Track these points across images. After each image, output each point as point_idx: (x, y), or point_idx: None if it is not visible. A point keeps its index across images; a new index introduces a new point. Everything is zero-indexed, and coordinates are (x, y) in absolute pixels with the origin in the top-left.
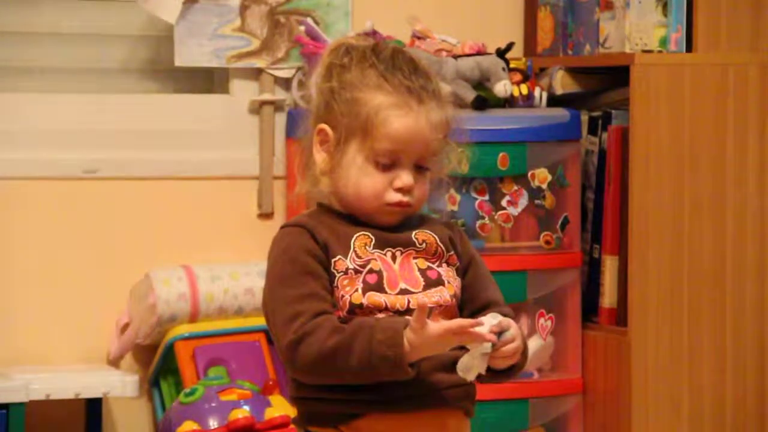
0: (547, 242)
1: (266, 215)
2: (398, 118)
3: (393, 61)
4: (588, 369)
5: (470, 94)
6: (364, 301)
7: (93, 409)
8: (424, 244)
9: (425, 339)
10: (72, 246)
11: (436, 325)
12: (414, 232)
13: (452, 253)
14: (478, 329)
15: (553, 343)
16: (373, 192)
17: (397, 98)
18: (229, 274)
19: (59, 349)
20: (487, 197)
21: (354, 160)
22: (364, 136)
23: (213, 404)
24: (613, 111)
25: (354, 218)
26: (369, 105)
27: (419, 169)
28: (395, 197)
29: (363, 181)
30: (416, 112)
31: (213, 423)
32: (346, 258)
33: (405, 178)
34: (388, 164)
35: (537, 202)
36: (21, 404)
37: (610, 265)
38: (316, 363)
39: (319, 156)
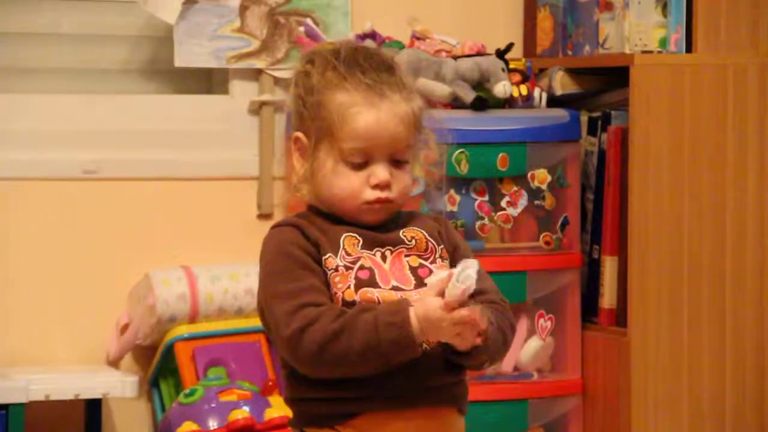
0: (547, 243)
1: (266, 216)
2: (360, 114)
3: (352, 59)
4: (587, 369)
5: (470, 95)
6: (357, 297)
7: (92, 409)
8: (413, 241)
9: (428, 313)
10: (71, 246)
11: (439, 302)
12: (402, 230)
13: (443, 246)
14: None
15: (553, 344)
16: (350, 192)
17: (358, 95)
18: (229, 274)
19: (59, 349)
20: (486, 198)
21: (326, 164)
22: (332, 138)
23: (213, 405)
24: (612, 111)
25: (341, 219)
26: (332, 106)
27: (396, 163)
28: (373, 194)
29: (337, 182)
30: (378, 107)
31: (213, 424)
32: (336, 256)
33: (380, 173)
34: (360, 162)
35: (536, 202)
36: (20, 405)
37: (609, 266)
38: (322, 347)
39: (298, 164)
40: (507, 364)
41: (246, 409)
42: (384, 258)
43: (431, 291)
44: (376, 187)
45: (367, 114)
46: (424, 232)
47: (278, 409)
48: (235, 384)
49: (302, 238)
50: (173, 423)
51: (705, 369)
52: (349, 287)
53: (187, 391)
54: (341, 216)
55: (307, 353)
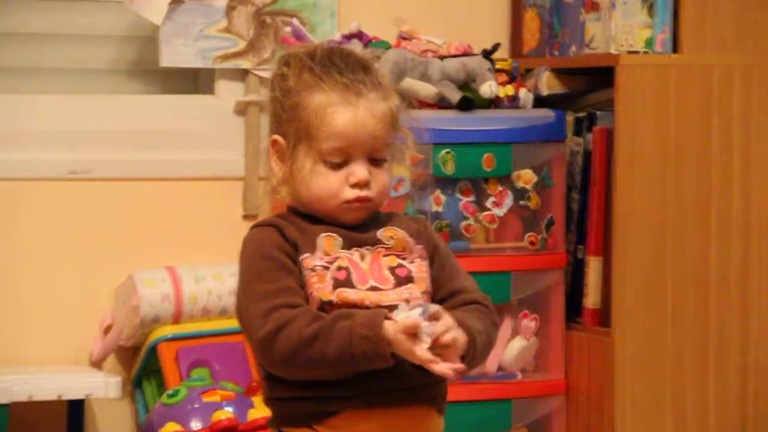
0: (532, 243)
1: (251, 216)
2: (338, 114)
3: (328, 60)
4: (571, 369)
5: (456, 95)
6: (334, 297)
7: (75, 410)
8: (392, 241)
9: (397, 343)
10: (56, 247)
11: (408, 343)
12: (380, 230)
13: (421, 246)
14: (438, 367)
15: (537, 344)
16: (329, 192)
17: (335, 96)
18: (213, 275)
19: (42, 350)
20: (472, 198)
21: (305, 165)
22: (310, 139)
23: (196, 405)
24: (598, 112)
25: (320, 219)
26: (309, 107)
27: (374, 161)
28: (352, 194)
29: (317, 183)
30: (355, 106)
31: (196, 424)
32: (314, 256)
33: (359, 172)
34: (339, 162)
35: (522, 202)
36: (4, 405)
37: (594, 266)
38: (296, 350)
39: (277, 166)
40: (491, 364)
41: (229, 409)
42: (362, 257)
43: (401, 328)
44: (356, 185)
45: (344, 113)
46: (403, 232)
47: (262, 409)
48: (218, 384)
49: (280, 239)
50: (156, 424)
51: (688, 369)
52: (326, 287)
53: (170, 391)
54: (321, 216)
55: (279, 356)
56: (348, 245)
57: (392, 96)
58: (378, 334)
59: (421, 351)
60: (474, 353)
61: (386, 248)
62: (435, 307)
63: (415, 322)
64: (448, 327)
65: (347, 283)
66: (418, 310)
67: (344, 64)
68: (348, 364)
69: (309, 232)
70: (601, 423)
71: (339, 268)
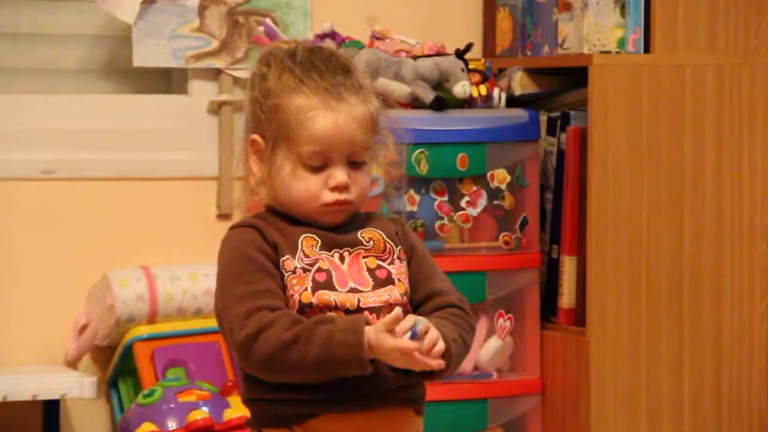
0: (506, 243)
1: (225, 216)
2: (318, 118)
3: (309, 62)
4: (547, 369)
5: (429, 95)
6: (314, 300)
7: (50, 410)
8: (371, 243)
9: (379, 343)
10: (30, 247)
11: (391, 339)
12: (360, 232)
13: (401, 247)
14: (422, 358)
15: (512, 344)
16: (308, 195)
17: (315, 99)
18: (188, 274)
19: (17, 350)
20: (446, 198)
21: (284, 167)
22: (290, 142)
23: (171, 405)
24: (571, 112)
25: (299, 220)
26: (289, 110)
27: (354, 164)
28: (332, 197)
29: (296, 185)
30: (335, 111)
31: (171, 424)
32: (294, 257)
33: (338, 176)
34: (318, 165)
35: (496, 202)
36: None
37: (568, 266)
38: (275, 355)
39: (255, 166)
40: (467, 364)
41: (205, 409)
42: (342, 259)
43: (383, 326)
44: (335, 189)
45: (324, 118)
46: (382, 233)
47: (237, 409)
48: (194, 384)
49: (261, 240)
50: (132, 424)
51: (663, 368)
52: (306, 290)
53: (146, 391)
54: (300, 218)
55: (258, 359)
56: (328, 246)
57: (372, 98)
58: (359, 341)
59: (406, 342)
60: (449, 361)
61: (365, 249)
62: (422, 326)
63: (397, 315)
64: (434, 341)
65: (327, 285)
66: (408, 333)
67: (325, 66)
68: (327, 370)
69: (289, 233)
70: (577, 422)
71: (319, 270)
